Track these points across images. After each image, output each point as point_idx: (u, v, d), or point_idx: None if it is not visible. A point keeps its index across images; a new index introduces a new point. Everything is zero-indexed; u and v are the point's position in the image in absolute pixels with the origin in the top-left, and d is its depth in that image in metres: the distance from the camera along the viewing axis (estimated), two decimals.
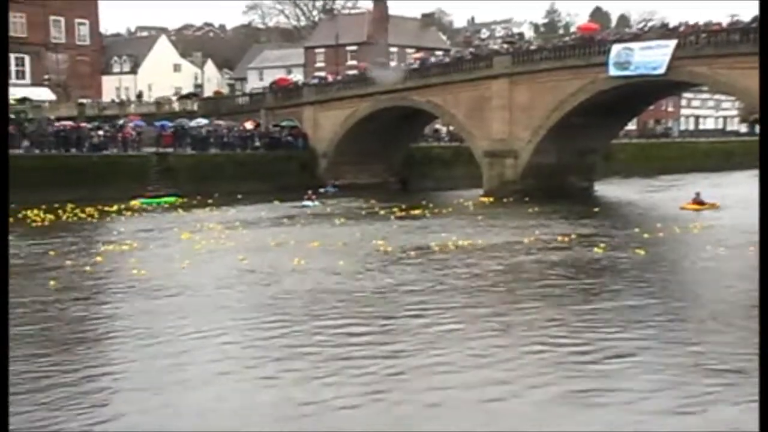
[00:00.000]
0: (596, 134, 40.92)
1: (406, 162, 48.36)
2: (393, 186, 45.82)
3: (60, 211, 29.88)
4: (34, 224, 27.32)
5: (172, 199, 35.18)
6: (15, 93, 55.58)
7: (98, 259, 20.28)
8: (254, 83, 78.74)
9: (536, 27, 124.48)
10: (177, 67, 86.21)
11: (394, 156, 47.23)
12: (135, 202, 33.54)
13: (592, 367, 11.59)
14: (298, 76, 60.22)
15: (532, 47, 43.59)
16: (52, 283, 17.23)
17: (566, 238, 24.01)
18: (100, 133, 40.08)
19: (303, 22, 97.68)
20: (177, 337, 13.16)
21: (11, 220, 26.43)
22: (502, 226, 27.48)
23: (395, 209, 32.18)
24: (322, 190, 40.90)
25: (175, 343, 12.79)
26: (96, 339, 13.32)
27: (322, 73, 58.84)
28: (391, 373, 11.27)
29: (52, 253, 21.13)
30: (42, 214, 28.93)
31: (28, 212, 28.94)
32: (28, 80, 59.33)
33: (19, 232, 24.55)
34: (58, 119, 44.59)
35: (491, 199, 37.26)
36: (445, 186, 45.21)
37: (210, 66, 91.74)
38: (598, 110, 37.69)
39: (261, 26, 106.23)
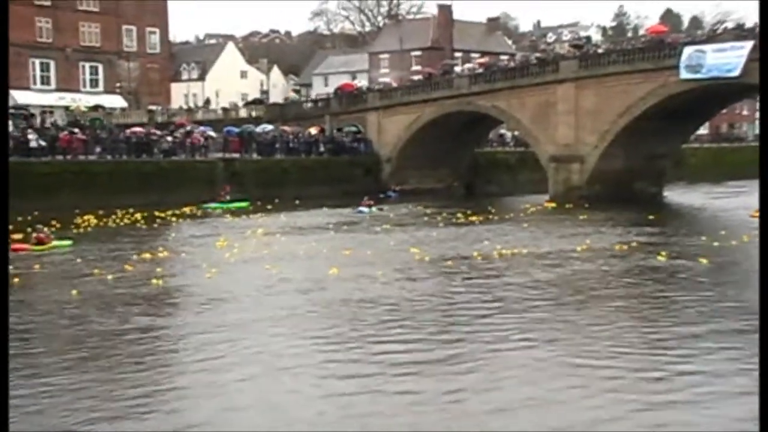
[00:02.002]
0: (666, 139, 40.00)
1: (471, 167, 48.13)
2: (458, 191, 45.62)
3: (114, 217, 29.81)
4: (76, 231, 26.87)
5: (243, 204, 35.55)
6: (89, 100, 57.36)
7: (126, 267, 19.73)
8: (319, 89, 79.44)
9: (604, 30, 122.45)
10: (244, 74, 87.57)
11: (459, 161, 46.99)
12: (187, 209, 33.46)
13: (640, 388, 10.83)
14: (362, 82, 60.45)
15: (600, 51, 42.84)
16: (74, 292, 16.69)
17: (626, 246, 23.11)
18: (169, 139, 40.86)
19: (368, 28, 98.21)
20: (187, 353, 12.54)
21: (59, 224, 26.63)
22: (558, 233, 26.54)
23: (454, 215, 31.78)
24: (382, 195, 40.92)
25: (186, 359, 12.27)
26: (92, 351, 12.74)
27: (387, 79, 58.99)
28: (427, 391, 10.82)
29: (79, 260, 20.69)
30: (93, 220, 28.83)
31: (81, 218, 28.83)
32: (101, 88, 60.94)
33: (61, 236, 24.39)
34: (129, 126, 45.73)
35: (554, 205, 36.71)
36: (510, 191, 44.95)
37: (276, 72, 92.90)
38: (668, 114, 36.82)
39: (326, 32, 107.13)
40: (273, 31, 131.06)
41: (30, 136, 36.79)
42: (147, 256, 21.66)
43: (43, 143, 36.67)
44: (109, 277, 18.50)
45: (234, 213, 33.30)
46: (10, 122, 39.51)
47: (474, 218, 30.76)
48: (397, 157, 45.68)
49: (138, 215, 30.30)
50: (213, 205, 35.21)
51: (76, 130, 39.99)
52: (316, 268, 19.67)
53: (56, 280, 18.54)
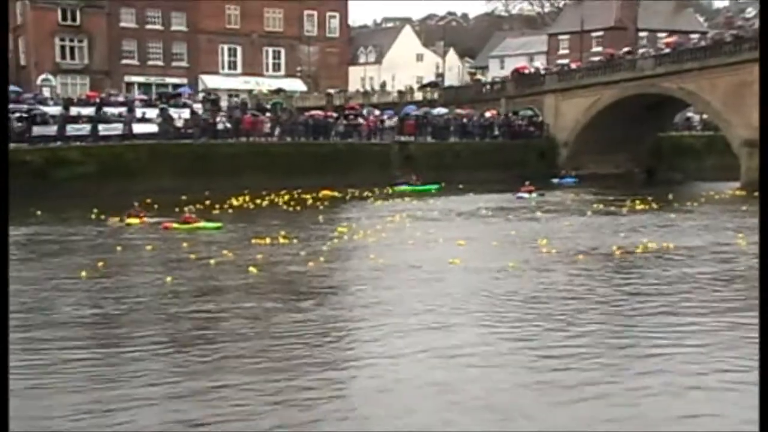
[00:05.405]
0: None
1: (653, 152, 45.85)
2: (638, 177, 43.53)
3: (270, 198, 30.17)
4: (233, 212, 27.13)
5: (434, 186, 35.54)
6: (271, 84, 59.72)
7: (225, 252, 19.22)
8: (495, 72, 78.26)
9: None
10: (419, 57, 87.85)
11: (640, 146, 44.81)
12: (366, 190, 33.81)
13: None
14: (538, 64, 58.91)
15: None
16: (168, 279, 16.54)
17: None
18: (345, 121, 41.61)
19: (547, 9, 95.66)
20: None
21: (207, 203, 27.34)
22: (731, 225, 24.20)
23: (622, 202, 29.93)
24: (555, 180, 39.74)
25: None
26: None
27: (565, 61, 57.17)
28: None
29: (185, 244, 20.58)
30: (242, 201, 29.16)
31: (245, 198, 29.37)
32: (282, 72, 63.30)
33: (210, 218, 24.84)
34: (307, 108, 47.07)
35: (743, 193, 34.06)
36: (696, 177, 42.38)
37: (452, 55, 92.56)
38: None
39: (504, 14, 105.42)
40: (450, 14, 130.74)
41: (218, 119, 38.74)
42: (263, 241, 21.01)
43: (228, 126, 38.46)
44: (212, 261, 18.23)
45: (400, 196, 33.41)
46: (200, 105, 41.78)
47: (642, 206, 28.86)
48: (574, 141, 44.17)
49: (307, 196, 30.70)
50: (403, 187, 35.52)
51: (259, 113, 41.64)
52: (434, 257, 18.82)
53: (166, 263, 18.47)
